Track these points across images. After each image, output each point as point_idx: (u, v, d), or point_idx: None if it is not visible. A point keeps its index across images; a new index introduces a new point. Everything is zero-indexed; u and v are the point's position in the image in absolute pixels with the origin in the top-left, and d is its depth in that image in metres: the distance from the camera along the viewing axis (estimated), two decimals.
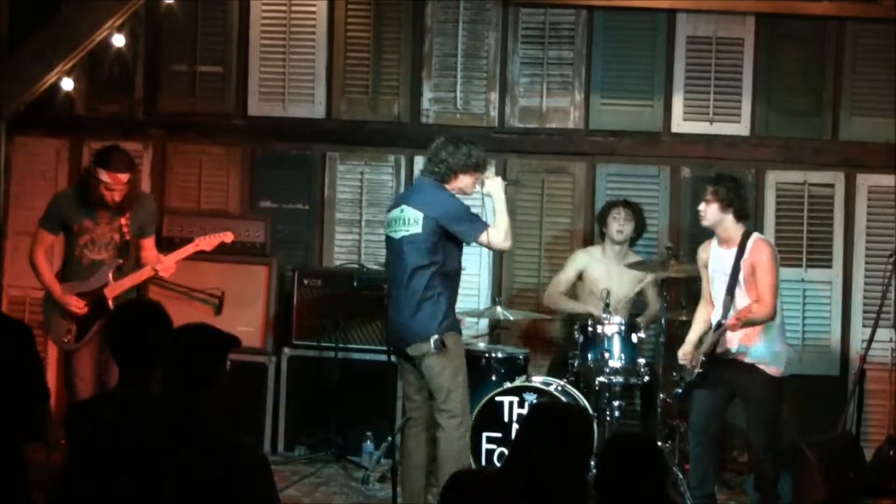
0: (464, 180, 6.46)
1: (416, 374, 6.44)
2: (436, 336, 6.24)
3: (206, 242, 7.15)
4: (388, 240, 6.54)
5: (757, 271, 6.44)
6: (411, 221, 6.35)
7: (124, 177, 6.78)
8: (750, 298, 6.45)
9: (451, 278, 6.43)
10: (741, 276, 6.51)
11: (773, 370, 6.51)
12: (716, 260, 6.69)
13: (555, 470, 3.66)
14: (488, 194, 6.52)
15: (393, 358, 7.75)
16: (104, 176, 6.72)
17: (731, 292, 6.55)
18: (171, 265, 7.03)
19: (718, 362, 6.53)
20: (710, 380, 6.58)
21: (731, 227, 6.58)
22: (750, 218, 6.83)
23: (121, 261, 6.93)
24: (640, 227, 7.99)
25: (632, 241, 8.01)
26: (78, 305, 6.82)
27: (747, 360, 6.48)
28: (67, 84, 8.07)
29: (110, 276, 6.87)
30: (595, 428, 6.90)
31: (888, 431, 7.81)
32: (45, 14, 7.78)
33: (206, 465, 3.67)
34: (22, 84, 7.86)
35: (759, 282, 6.43)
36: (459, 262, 6.53)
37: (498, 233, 6.36)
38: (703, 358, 6.56)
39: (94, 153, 6.97)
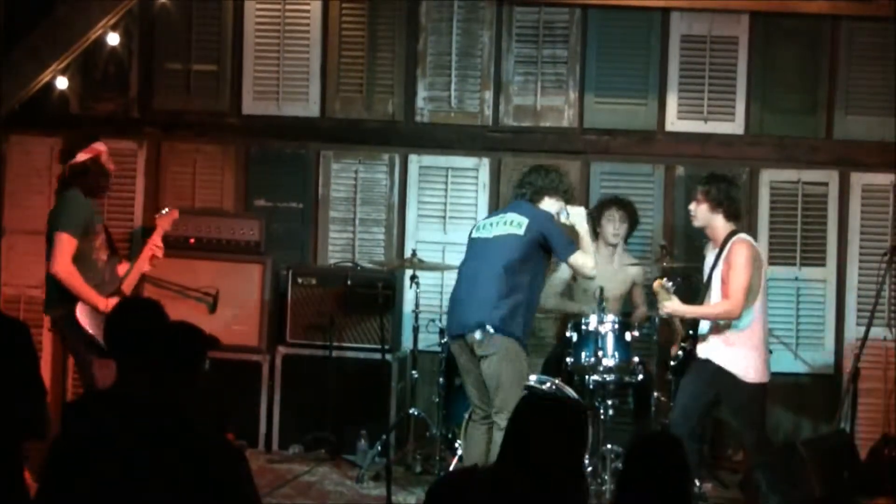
0: (549, 203, 6.65)
1: (477, 366, 6.46)
2: (508, 340, 6.34)
3: (165, 221, 6.76)
4: (475, 242, 6.63)
5: (730, 270, 6.44)
6: (514, 223, 6.50)
7: None
8: (723, 297, 6.47)
9: (532, 304, 6.51)
10: (717, 274, 6.52)
11: (751, 377, 6.48)
12: (707, 260, 6.74)
13: (550, 460, 3.64)
14: (572, 223, 6.71)
15: (388, 357, 7.81)
16: (104, 149, 6.48)
17: (707, 290, 6.59)
18: (160, 243, 6.63)
19: (705, 367, 6.55)
20: (693, 378, 6.60)
21: (719, 227, 6.59)
22: (741, 219, 6.81)
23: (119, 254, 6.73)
24: (633, 225, 7.98)
25: (624, 238, 7.99)
26: None
27: (723, 366, 6.47)
28: (62, 82, 8.08)
29: (118, 270, 6.52)
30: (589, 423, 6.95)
31: (882, 430, 7.82)
32: (40, 13, 7.77)
33: (182, 461, 3.66)
34: (17, 82, 7.86)
35: (730, 281, 6.43)
36: (540, 290, 6.66)
37: (587, 258, 6.55)
38: (679, 352, 6.71)
39: (72, 144, 6.56)
